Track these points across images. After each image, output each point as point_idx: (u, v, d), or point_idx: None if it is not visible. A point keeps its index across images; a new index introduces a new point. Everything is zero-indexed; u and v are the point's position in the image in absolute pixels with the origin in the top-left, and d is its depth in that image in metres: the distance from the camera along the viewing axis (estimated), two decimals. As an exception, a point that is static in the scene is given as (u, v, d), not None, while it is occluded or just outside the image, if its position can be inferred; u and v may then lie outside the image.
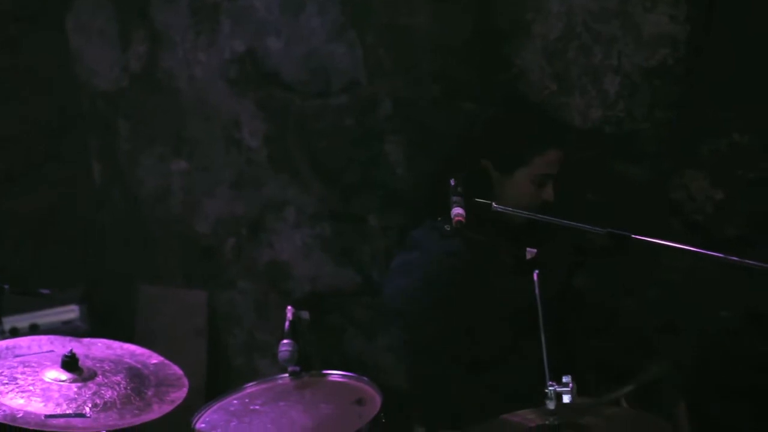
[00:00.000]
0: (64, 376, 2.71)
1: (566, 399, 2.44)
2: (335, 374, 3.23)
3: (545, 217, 2.86)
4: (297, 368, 3.20)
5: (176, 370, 2.91)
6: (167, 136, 4.26)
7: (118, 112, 4.33)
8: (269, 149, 4.10)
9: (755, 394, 3.47)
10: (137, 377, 2.81)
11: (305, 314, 3.27)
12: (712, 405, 3.57)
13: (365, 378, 3.20)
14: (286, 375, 3.22)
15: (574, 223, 2.77)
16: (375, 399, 3.07)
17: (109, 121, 4.34)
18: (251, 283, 4.20)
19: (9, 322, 3.88)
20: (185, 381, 2.86)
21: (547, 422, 2.47)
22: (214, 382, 4.12)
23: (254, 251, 4.18)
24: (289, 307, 3.25)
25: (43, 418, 2.53)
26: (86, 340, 3.00)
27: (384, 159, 3.92)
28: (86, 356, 2.84)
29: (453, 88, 3.78)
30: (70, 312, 4.16)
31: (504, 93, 3.71)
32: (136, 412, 2.67)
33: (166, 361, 2.93)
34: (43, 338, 2.95)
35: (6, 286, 3.38)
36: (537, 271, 2.51)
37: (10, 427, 2.52)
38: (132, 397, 2.72)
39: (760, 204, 3.57)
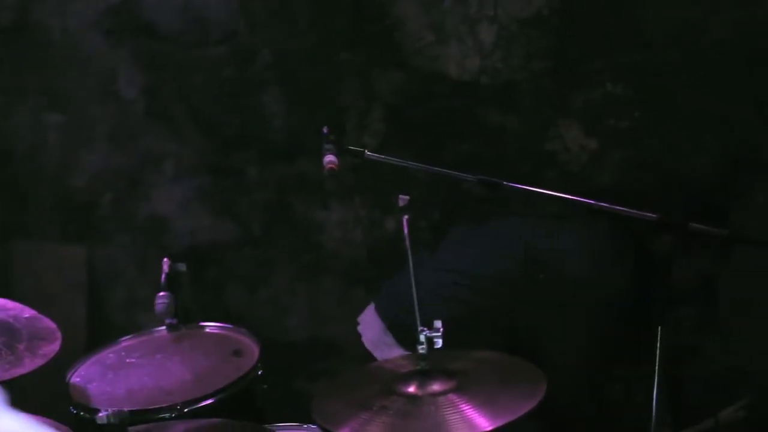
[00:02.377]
0: (-70, 332, 2.67)
1: (438, 344, 2.46)
2: (213, 326, 3.23)
3: (416, 164, 2.88)
4: (174, 321, 3.19)
5: (49, 323, 2.87)
6: (41, 89, 4.17)
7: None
8: (146, 101, 4.05)
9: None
10: (8, 331, 2.77)
11: (182, 266, 3.25)
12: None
13: (243, 329, 3.20)
14: (163, 328, 3.21)
15: (445, 170, 2.80)
16: (253, 350, 3.07)
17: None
18: (130, 237, 4.15)
19: None
20: (58, 334, 2.83)
21: (418, 367, 2.50)
22: (94, 339, 4.07)
23: (132, 205, 4.13)
24: (165, 260, 3.22)
25: None
26: (-46, 295, 2.95)
27: (262, 110, 3.90)
28: (-44, 311, 2.79)
29: (330, 38, 3.77)
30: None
31: (382, 44, 3.72)
32: (7, 366, 2.64)
33: (39, 315, 2.88)
34: None
35: None
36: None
37: None
38: (2, 351, 2.69)
39: (633, 152, 3.65)
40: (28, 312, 2.89)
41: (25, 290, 4.08)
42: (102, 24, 4.05)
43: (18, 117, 4.20)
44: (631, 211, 2.73)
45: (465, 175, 2.78)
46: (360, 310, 3.84)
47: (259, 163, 3.94)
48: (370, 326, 3.33)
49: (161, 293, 3.16)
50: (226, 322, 3.27)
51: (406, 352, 2.85)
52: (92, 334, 4.11)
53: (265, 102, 3.90)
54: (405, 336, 2.99)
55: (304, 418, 3.01)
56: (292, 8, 3.81)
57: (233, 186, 4.00)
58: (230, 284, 4.06)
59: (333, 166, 2.70)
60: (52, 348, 2.79)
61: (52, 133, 4.18)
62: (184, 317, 3.23)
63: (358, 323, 3.35)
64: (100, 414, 2.36)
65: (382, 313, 3.28)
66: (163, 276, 3.18)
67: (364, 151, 2.84)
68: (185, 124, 4.01)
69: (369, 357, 3.54)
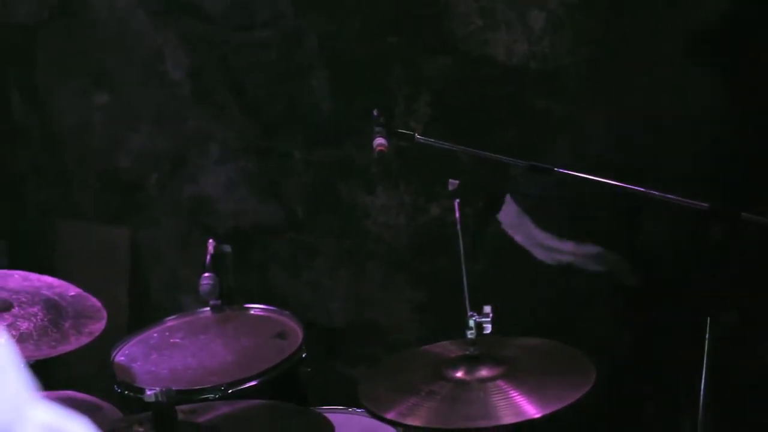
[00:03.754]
0: (-22, 306, 2.68)
1: (487, 329, 2.45)
2: (257, 308, 3.23)
3: (466, 149, 2.85)
4: (218, 302, 3.19)
5: (94, 302, 2.87)
6: (87, 69, 4.18)
7: (36, 44, 4.23)
8: (192, 83, 4.05)
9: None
10: (54, 309, 2.78)
11: (227, 248, 3.25)
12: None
13: (287, 312, 3.20)
14: (207, 308, 3.21)
15: (496, 156, 2.78)
16: (297, 333, 3.07)
17: (27, 54, 4.25)
18: (174, 218, 4.16)
19: None
20: (104, 313, 2.83)
21: (467, 353, 2.48)
22: (137, 319, 4.08)
23: (177, 186, 4.13)
24: (210, 241, 3.23)
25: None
26: (2, 271, 2.96)
27: (308, 94, 3.88)
28: (2, 288, 2.80)
29: (376, 22, 3.75)
30: (-11, 247, 4.10)
31: (430, 28, 3.69)
32: (53, 343, 2.64)
33: (84, 293, 2.89)
34: (-41, 270, 2.91)
35: None
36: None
37: None
38: (49, 329, 2.69)
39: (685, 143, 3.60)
40: (73, 290, 2.90)
41: (70, 269, 4.09)
42: (149, 5, 4.04)
43: (64, 97, 4.21)
44: (683, 199, 2.70)
45: (516, 161, 2.75)
46: (401, 296, 3.84)
47: (304, 146, 3.93)
48: (506, 212, 3.32)
49: (206, 274, 3.16)
50: (269, 304, 3.27)
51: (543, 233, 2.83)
52: (135, 314, 4.12)
53: (310, 85, 3.88)
54: None
55: (346, 402, 3.01)
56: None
57: (278, 169, 3.99)
58: (273, 267, 4.05)
59: (383, 148, 2.68)
60: (98, 326, 2.80)
61: (98, 113, 4.18)
62: (228, 299, 3.23)
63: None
64: (148, 392, 2.36)
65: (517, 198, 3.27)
66: (208, 257, 3.18)
67: (414, 135, 2.83)
68: (231, 107, 4.00)
69: (411, 342, 3.53)
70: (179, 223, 4.15)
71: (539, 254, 3.14)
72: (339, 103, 3.85)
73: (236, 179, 4.04)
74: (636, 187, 2.71)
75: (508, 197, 3.30)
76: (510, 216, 3.29)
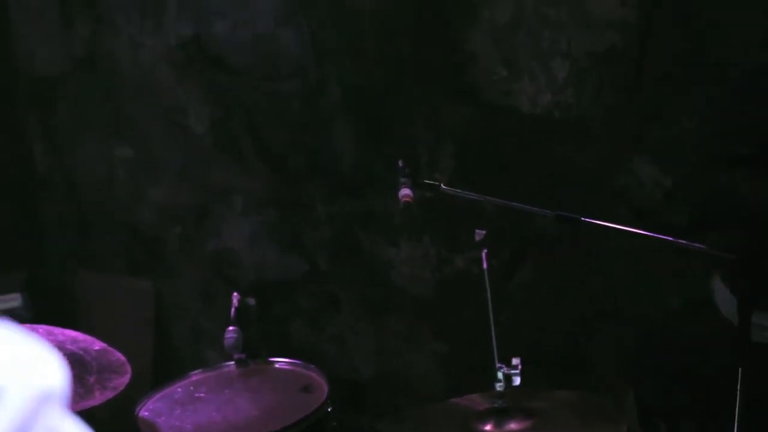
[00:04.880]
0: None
1: (516, 382, 2.41)
2: (282, 362, 3.19)
3: (493, 199, 2.83)
4: (242, 355, 3.16)
5: (119, 356, 2.85)
6: (111, 122, 4.19)
7: (59, 96, 4.25)
8: (215, 135, 4.05)
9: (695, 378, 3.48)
10: (79, 364, 2.75)
11: (252, 301, 3.23)
12: (656, 390, 3.57)
13: (312, 366, 3.16)
14: (232, 363, 3.18)
15: (523, 205, 2.75)
16: (322, 387, 3.03)
17: (51, 105, 4.26)
18: (197, 271, 4.14)
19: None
20: (128, 367, 2.80)
21: (495, 405, 2.45)
22: (160, 372, 4.05)
23: (200, 239, 4.12)
24: (235, 294, 3.20)
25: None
26: (27, 326, 2.93)
27: (331, 145, 3.88)
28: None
29: (401, 74, 3.74)
30: (13, 300, 4.07)
31: (454, 78, 3.68)
32: (77, 398, 2.61)
33: (109, 348, 2.86)
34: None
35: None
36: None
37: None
38: (73, 384, 2.66)
39: (709, 191, 3.57)
40: (98, 344, 2.87)
41: (92, 322, 4.08)
42: (173, 57, 4.06)
43: (87, 149, 4.22)
44: (711, 249, 2.66)
45: (543, 210, 2.73)
46: (426, 348, 3.80)
47: (327, 198, 3.92)
48: (722, 298, 3.26)
49: (230, 327, 3.14)
50: (293, 358, 3.24)
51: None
52: (158, 367, 4.09)
53: (333, 136, 3.88)
54: None
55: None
56: (362, 43, 3.79)
57: (301, 221, 3.98)
58: (297, 320, 4.03)
59: (408, 199, 2.67)
60: (122, 381, 2.77)
61: (121, 166, 4.19)
62: (252, 352, 3.21)
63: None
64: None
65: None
66: (233, 310, 3.16)
67: (440, 185, 2.81)
68: (254, 158, 4.00)
69: (437, 395, 3.49)
70: (202, 275, 4.14)
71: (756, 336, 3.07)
72: (362, 154, 3.84)
73: (259, 231, 4.03)
74: (664, 237, 2.68)
75: (717, 281, 3.23)
76: (726, 302, 3.23)
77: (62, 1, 4.22)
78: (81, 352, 2.81)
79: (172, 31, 4.06)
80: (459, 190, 2.88)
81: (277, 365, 3.19)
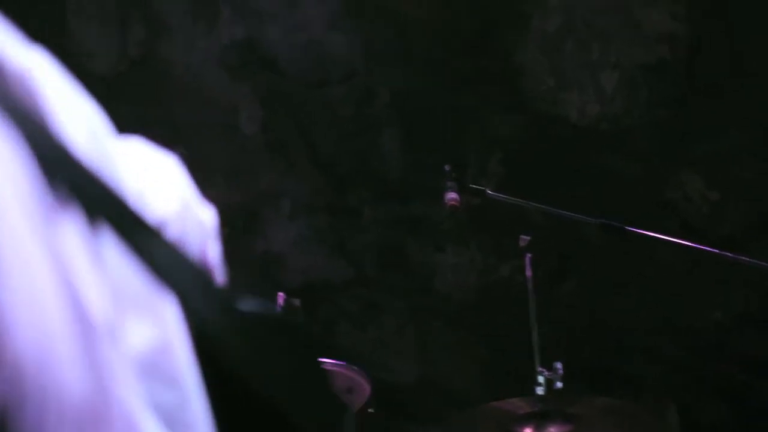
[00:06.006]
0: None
1: (557, 386, 2.42)
2: (326, 362, 3.22)
3: (539, 205, 2.84)
4: (287, 355, 3.19)
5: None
6: (163, 122, 4.24)
7: (114, 97, 4.31)
8: (265, 137, 4.09)
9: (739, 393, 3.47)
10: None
11: (297, 302, 3.25)
12: (701, 405, 3.56)
13: (356, 367, 3.18)
14: (276, 361, 3.21)
15: (569, 213, 2.76)
16: (364, 388, 3.05)
17: (105, 104, 4.32)
18: (244, 273, 4.18)
19: None
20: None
21: (536, 410, 2.46)
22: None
23: (248, 240, 4.16)
24: (280, 294, 3.23)
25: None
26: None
27: (379, 150, 3.90)
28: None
29: (450, 80, 3.77)
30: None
31: (502, 87, 3.70)
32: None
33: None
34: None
35: None
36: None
37: None
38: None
39: (756, 204, 3.56)
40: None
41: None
42: (226, 60, 4.10)
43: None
44: (757, 261, 2.66)
45: (588, 218, 2.74)
46: (468, 354, 3.81)
47: (375, 202, 3.94)
48: None
49: (275, 326, 3.16)
50: (336, 359, 3.26)
51: None
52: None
53: (382, 142, 3.90)
54: None
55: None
56: (412, 50, 3.82)
57: (347, 225, 4.00)
58: (341, 322, 4.05)
59: (455, 203, 2.68)
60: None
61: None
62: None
63: None
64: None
65: None
66: (278, 310, 3.19)
67: (485, 190, 2.82)
68: (303, 162, 4.03)
69: (478, 400, 3.50)
70: (249, 277, 4.17)
71: None
72: (409, 160, 3.86)
73: (306, 235, 4.06)
74: (709, 249, 2.68)
75: None
76: None
77: (118, 2, 4.28)
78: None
79: (225, 34, 4.11)
80: (505, 196, 2.89)
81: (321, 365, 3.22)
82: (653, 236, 2.71)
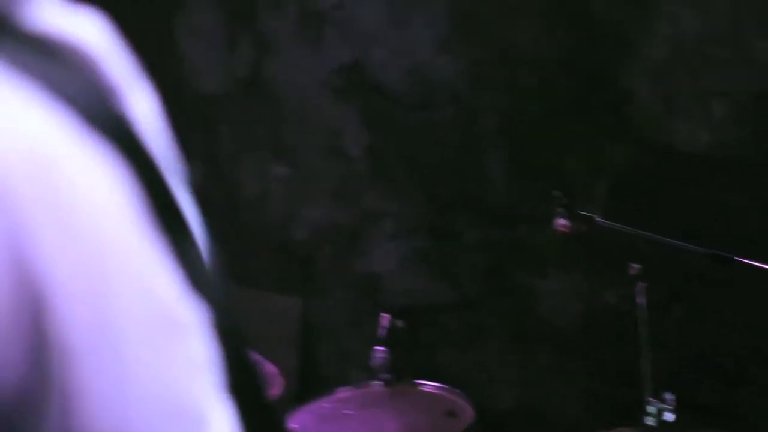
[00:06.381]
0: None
1: (668, 417, 2.40)
2: (428, 385, 3.23)
3: (649, 234, 2.82)
4: (389, 376, 3.21)
5: (271, 368, 2.92)
6: (269, 142, 4.30)
7: (221, 115, 4.38)
8: (370, 159, 4.12)
9: None
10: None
11: (400, 323, 3.28)
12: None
13: (458, 391, 3.19)
14: (379, 382, 3.23)
15: (678, 242, 2.73)
16: (467, 412, 3.06)
17: (213, 123, 4.39)
18: (346, 292, 4.21)
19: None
20: (280, 380, 2.87)
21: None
22: (304, 389, 4.12)
23: (350, 260, 4.19)
24: (384, 315, 3.26)
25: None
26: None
27: (484, 174, 3.90)
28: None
29: (557, 105, 3.76)
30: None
31: (610, 113, 3.68)
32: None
33: (262, 359, 2.94)
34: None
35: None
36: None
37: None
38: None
39: None
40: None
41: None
42: (332, 82, 4.14)
43: (245, 167, 4.33)
44: None
45: (698, 248, 2.71)
46: (571, 381, 3.78)
47: (478, 226, 3.94)
48: None
49: (379, 347, 3.19)
50: (437, 382, 3.27)
51: None
52: (302, 383, 4.16)
53: (486, 166, 3.90)
54: None
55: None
56: (519, 74, 3.81)
57: (451, 248, 4.01)
58: (443, 345, 4.05)
59: (565, 229, 2.68)
60: (273, 392, 2.84)
61: (277, 185, 4.28)
62: (398, 373, 3.25)
63: None
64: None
65: None
66: (382, 331, 3.21)
67: (593, 217, 2.81)
68: (407, 184, 4.05)
69: (579, 429, 3.47)
70: (350, 296, 4.20)
71: None
72: (515, 184, 3.86)
73: (409, 256, 4.07)
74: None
75: None
76: None
77: (228, 24, 4.35)
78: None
79: (331, 56, 4.15)
80: (614, 224, 2.88)
81: (423, 388, 3.23)
82: (764, 267, 2.67)
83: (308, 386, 4.05)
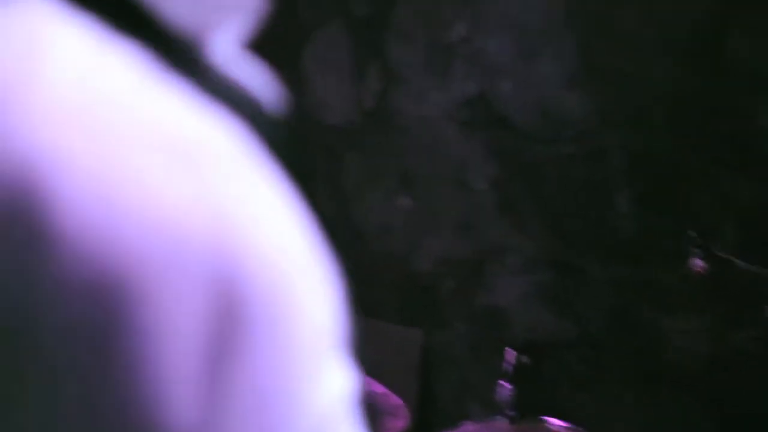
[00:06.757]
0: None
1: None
2: (554, 423, 3.20)
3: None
4: (514, 412, 3.18)
5: (397, 400, 2.92)
6: (394, 173, 4.31)
7: (346, 146, 4.41)
8: (495, 192, 4.10)
9: None
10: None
11: (525, 359, 3.25)
12: None
13: (581, 429, 3.15)
14: (503, 418, 3.20)
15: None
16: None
17: (339, 153, 4.43)
18: (467, 325, 4.19)
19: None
20: (406, 412, 2.87)
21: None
22: (424, 422, 4.11)
23: (473, 293, 4.17)
24: (509, 350, 3.23)
25: None
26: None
27: (611, 210, 3.86)
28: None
29: (687, 142, 3.70)
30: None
31: (743, 152, 3.62)
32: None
33: (388, 391, 2.94)
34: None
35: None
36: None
37: None
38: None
39: None
40: (378, 387, 2.95)
41: (362, 366, 4.17)
42: (458, 114, 4.15)
43: (370, 198, 4.35)
44: None
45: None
46: (696, 425, 3.70)
47: (604, 262, 3.89)
48: None
49: (504, 382, 3.16)
50: (561, 420, 3.23)
51: None
52: (422, 417, 4.15)
53: (613, 202, 3.86)
54: None
55: None
56: (648, 110, 3.77)
57: (575, 284, 3.97)
58: (563, 382, 4.01)
59: (701, 270, 2.64)
60: (399, 424, 2.84)
61: (401, 216, 4.29)
62: (522, 409, 3.22)
63: None
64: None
65: None
66: (507, 366, 3.19)
67: (730, 258, 2.76)
68: (531, 218, 4.03)
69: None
70: (472, 330, 4.18)
71: None
72: (642, 221, 3.81)
73: (532, 291, 4.04)
74: None
75: None
76: None
77: (355, 55, 4.38)
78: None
79: (458, 89, 4.15)
80: (749, 265, 2.82)
81: (548, 425, 3.19)
82: None
83: (427, 419, 4.04)
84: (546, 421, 3.19)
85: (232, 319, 0.54)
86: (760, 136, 3.56)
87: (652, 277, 3.78)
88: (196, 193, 0.53)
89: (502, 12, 4.02)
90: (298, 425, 0.58)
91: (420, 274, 4.27)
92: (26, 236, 0.48)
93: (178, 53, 0.59)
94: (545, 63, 3.96)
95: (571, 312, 3.99)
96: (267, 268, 0.58)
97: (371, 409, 2.79)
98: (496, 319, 4.12)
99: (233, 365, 0.54)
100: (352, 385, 0.66)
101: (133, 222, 0.50)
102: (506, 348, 3.26)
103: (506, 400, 3.14)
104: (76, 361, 0.49)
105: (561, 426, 3.18)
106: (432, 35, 4.19)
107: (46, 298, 0.48)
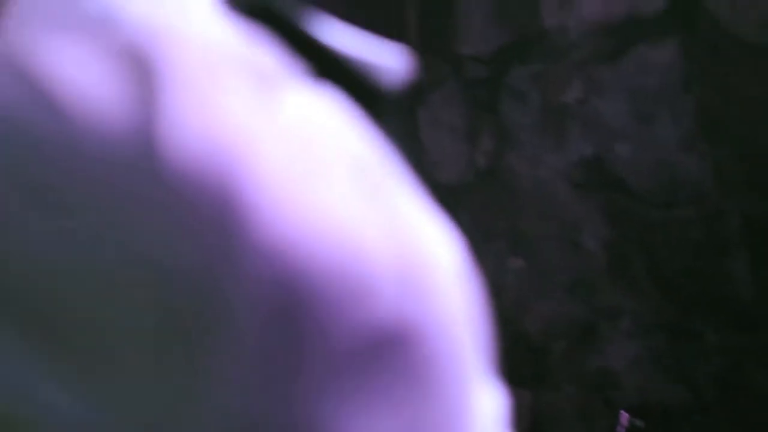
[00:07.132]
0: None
1: None
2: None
3: None
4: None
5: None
6: (506, 233, 4.31)
7: (459, 205, 4.42)
8: (608, 255, 4.07)
9: None
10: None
11: (640, 423, 3.21)
12: None
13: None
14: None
15: None
16: None
17: (452, 212, 4.44)
18: (577, 387, 4.15)
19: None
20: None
21: None
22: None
23: (583, 356, 4.13)
24: (623, 413, 3.19)
25: None
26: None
27: (728, 275, 3.80)
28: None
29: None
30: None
31: None
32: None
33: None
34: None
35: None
36: None
37: None
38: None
39: None
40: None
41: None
42: (572, 176, 4.13)
43: (482, 258, 4.35)
44: None
45: None
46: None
47: (720, 328, 3.83)
48: None
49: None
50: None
51: None
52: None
53: (731, 267, 3.80)
54: None
55: None
56: (763, 174, 3.72)
57: (689, 349, 3.90)
58: (677, 449, 3.94)
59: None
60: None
61: (512, 276, 4.28)
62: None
63: None
64: None
65: None
66: (621, 429, 3.14)
67: None
68: (645, 282, 3.98)
69: None
70: (582, 392, 4.14)
71: None
72: (759, 286, 3.74)
73: (644, 355, 3.99)
74: None
75: None
76: None
77: (469, 115, 4.41)
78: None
79: (573, 150, 4.14)
80: None
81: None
82: None
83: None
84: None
85: (408, 358, 0.54)
86: None
87: (770, 345, 3.71)
88: (388, 226, 0.54)
89: (619, 74, 4.02)
90: None
91: (531, 334, 4.25)
92: (220, 241, 0.47)
93: (363, 92, 0.60)
94: (662, 125, 3.94)
95: (684, 377, 3.92)
96: (441, 297, 0.58)
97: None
98: (607, 382, 4.07)
99: (415, 409, 0.53)
100: (501, 404, 0.65)
101: (328, 246, 0.51)
102: (621, 411, 3.21)
103: (619, 464, 3.10)
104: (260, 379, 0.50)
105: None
106: (547, 96, 4.20)
107: (233, 298, 0.49)
